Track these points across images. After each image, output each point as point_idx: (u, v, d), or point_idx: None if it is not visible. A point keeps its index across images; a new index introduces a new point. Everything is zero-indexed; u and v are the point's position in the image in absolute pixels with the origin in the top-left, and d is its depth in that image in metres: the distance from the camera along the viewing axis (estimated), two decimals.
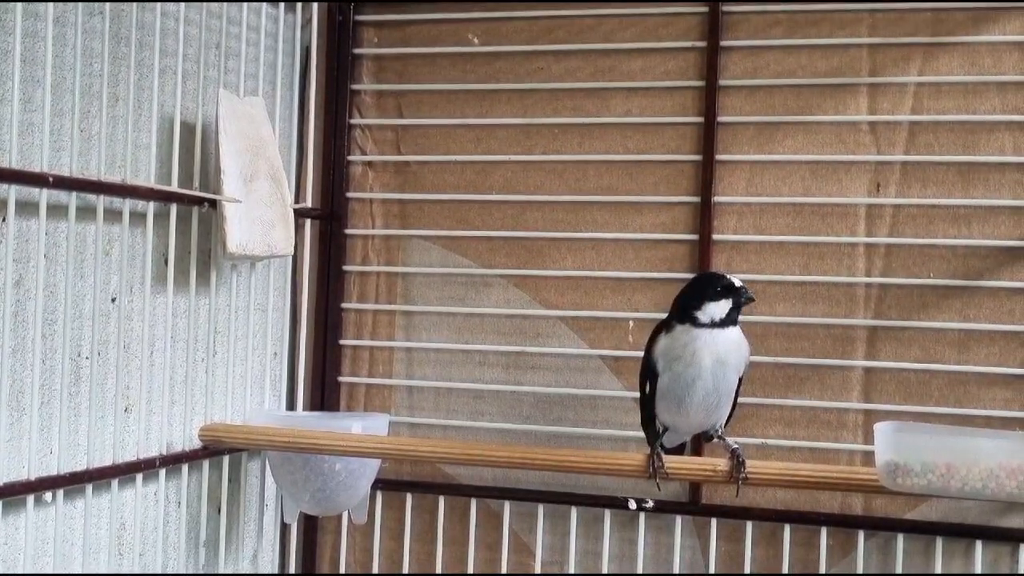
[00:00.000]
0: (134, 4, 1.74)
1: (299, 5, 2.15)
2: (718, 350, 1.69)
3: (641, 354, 1.78)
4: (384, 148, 2.22)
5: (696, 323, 1.69)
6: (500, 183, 2.16)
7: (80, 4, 1.65)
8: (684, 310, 1.71)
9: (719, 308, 1.69)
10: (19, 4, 1.53)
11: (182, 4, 1.85)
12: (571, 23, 2.13)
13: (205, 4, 1.91)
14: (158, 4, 1.79)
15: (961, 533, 1.94)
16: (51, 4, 1.58)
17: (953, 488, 1.51)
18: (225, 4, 1.96)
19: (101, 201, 1.68)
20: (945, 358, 1.96)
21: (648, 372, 1.74)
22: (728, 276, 1.72)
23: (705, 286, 1.71)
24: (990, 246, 1.94)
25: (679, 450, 1.87)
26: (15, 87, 1.53)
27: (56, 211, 1.62)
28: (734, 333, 1.70)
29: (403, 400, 2.21)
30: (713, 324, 1.69)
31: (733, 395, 1.73)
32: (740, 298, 1.70)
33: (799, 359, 2.01)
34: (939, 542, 1.94)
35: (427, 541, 2.17)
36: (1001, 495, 1.51)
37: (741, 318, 1.72)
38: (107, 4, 1.69)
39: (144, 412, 1.81)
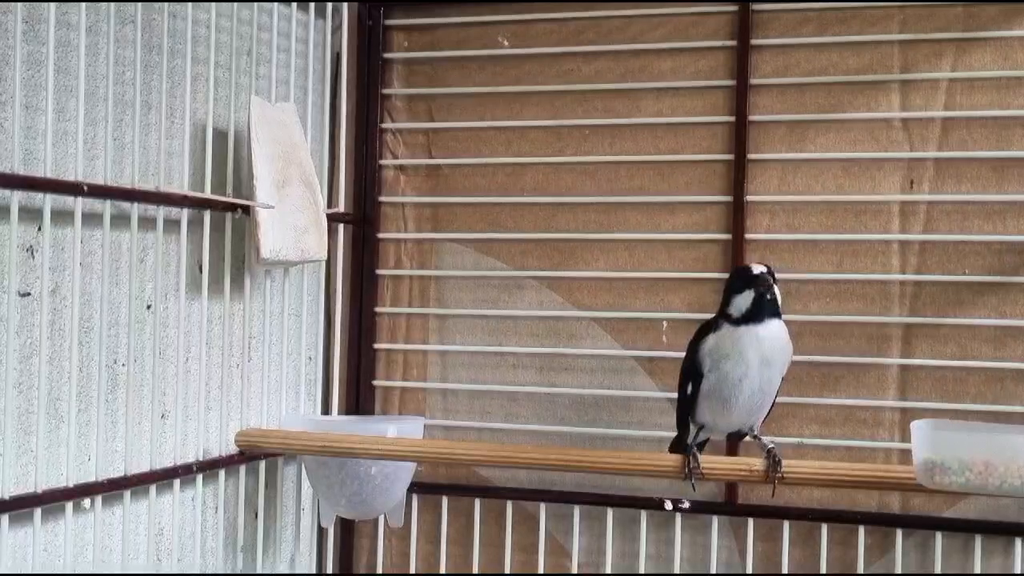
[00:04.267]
0: (166, 12, 1.75)
1: (329, 10, 2.16)
2: (763, 348, 1.68)
3: (675, 354, 1.78)
4: (415, 152, 2.23)
5: (731, 320, 1.69)
6: (531, 185, 2.16)
7: (112, 13, 1.65)
8: (723, 309, 1.70)
9: (743, 300, 1.68)
10: (52, 14, 1.54)
11: (213, 12, 1.86)
12: (601, 24, 2.13)
13: (236, 12, 1.91)
14: (189, 12, 1.80)
15: (1000, 531, 1.92)
16: (83, 12, 1.59)
17: (991, 485, 1.50)
18: (255, 11, 1.96)
19: (135, 209, 1.68)
20: (981, 354, 1.95)
21: (692, 372, 1.73)
22: (750, 266, 1.72)
23: (732, 281, 1.71)
24: None
25: (702, 446, 1.85)
26: (49, 97, 1.54)
27: (91, 219, 1.63)
28: (779, 331, 1.69)
29: (438, 403, 2.21)
30: (748, 318, 1.67)
31: (775, 395, 1.73)
32: (760, 287, 1.68)
33: (834, 357, 2.00)
34: (978, 540, 1.92)
35: (463, 544, 2.17)
36: None
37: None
38: (139, 12, 1.70)
39: (180, 418, 1.82)
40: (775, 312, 1.70)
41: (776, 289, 1.70)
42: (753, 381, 1.68)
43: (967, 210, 1.96)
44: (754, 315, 1.68)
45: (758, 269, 1.70)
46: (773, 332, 1.69)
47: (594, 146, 2.13)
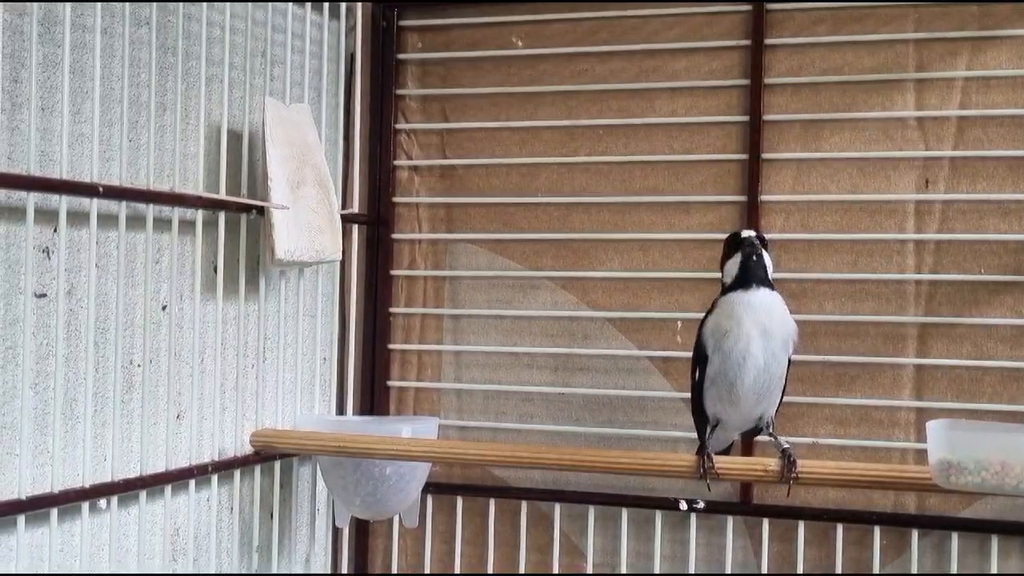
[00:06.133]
0: (180, 14, 1.75)
1: (343, 11, 2.16)
2: (758, 316, 1.66)
3: (690, 354, 1.77)
4: (429, 152, 2.23)
5: (724, 289, 1.69)
6: (546, 185, 2.16)
7: (127, 15, 1.66)
8: (721, 281, 1.71)
9: (733, 264, 1.68)
10: (67, 16, 1.54)
11: (227, 13, 1.86)
12: (615, 24, 2.13)
13: (250, 13, 1.92)
14: (204, 14, 1.81)
15: (1016, 531, 1.92)
16: (98, 14, 1.60)
17: (1008, 486, 1.50)
18: (270, 12, 1.97)
19: (150, 210, 1.69)
20: (997, 354, 1.94)
21: (698, 356, 1.73)
22: (742, 231, 1.71)
23: (724, 248, 1.71)
24: None
25: (726, 452, 1.85)
26: (64, 98, 1.55)
27: (106, 220, 1.63)
28: (771, 298, 1.68)
29: (452, 403, 2.21)
30: (737, 284, 1.67)
31: (783, 379, 1.72)
32: (746, 249, 1.67)
33: (849, 357, 2.00)
34: (994, 540, 1.92)
35: (478, 544, 2.17)
36: None
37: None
38: (153, 14, 1.70)
39: (196, 418, 1.82)
40: (764, 280, 1.68)
41: (767, 256, 1.69)
42: (757, 358, 1.67)
43: (983, 209, 1.95)
44: (742, 280, 1.67)
45: (746, 233, 1.69)
46: (763, 299, 1.67)
47: (608, 146, 2.13)
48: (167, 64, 1.76)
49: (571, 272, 2.15)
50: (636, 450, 2.02)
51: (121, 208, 1.64)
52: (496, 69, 2.19)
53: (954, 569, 1.93)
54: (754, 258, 1.68)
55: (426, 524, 2.18)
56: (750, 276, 1.68)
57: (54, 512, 1.55)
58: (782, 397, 1.75)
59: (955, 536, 1.93)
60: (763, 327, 1.67)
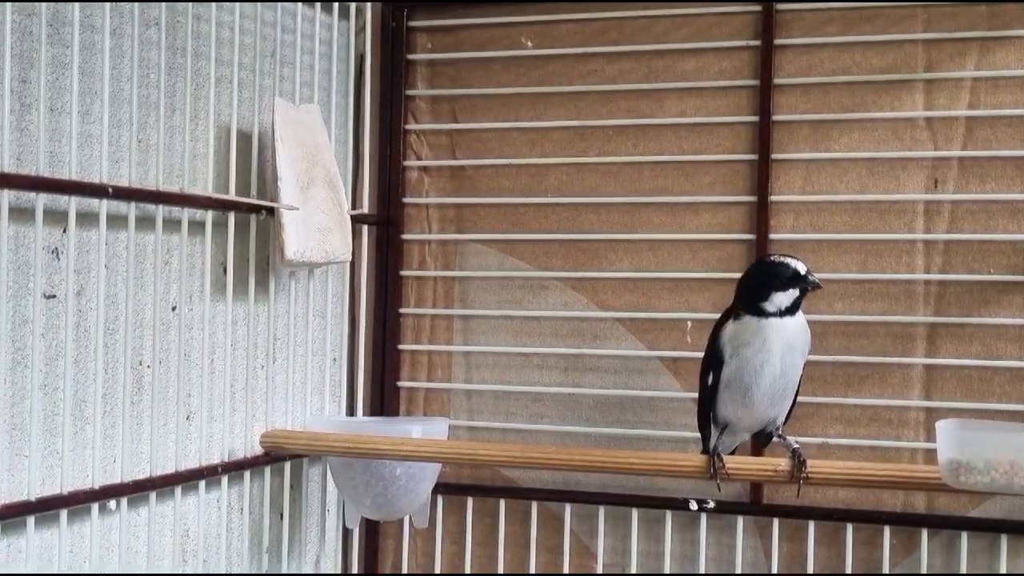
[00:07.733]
0: (189, 14, 1.76)
1: (352, 11, 2.16)
2: (787, 337, 1.68)
3: (700, 354, 1.77)
4: (439, 153, 2.23)
5: (764, 314, 1.68)
6: (555, 186, 2.16)
7: (136, 15, 1.66)
8: (751, 301, 1.70)
9: (786, 297, 1.68)
10: (76, 17, 1.55)
11: (237, 14, 1.86)
12: (624, 24, 2.13)
13: (259, 13, 1.92)
14: (213, 14, 1.81)
15: None
16: (107, 15, 1.60)
17: (1017, 485, 1.50)
18: (279, 13, 1.97)
19: (160, 211, 1.69)
20: (1007, 354, 1.94)
21: (713, 360, 1.73)
22: (791, 263, 1.70)
23: (772, 276, 1.70)
24: None
25: (731, 454, 1.85)
26: (73, 99, 1.55)
27: (116, 221, 1.64)
28: (800, 320, 1.70)
29: (462, 404, 2.21)
30: (780, 313, 1.68)
31: (797, 385, 1.72)
32: (806, 286, 1.69)
33: (859, 357, 2.00)
34: (1003, 540, 1.92)
35: (488, 544, 2.17)
36: None
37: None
38: (163, 15, 1.70)
39: (205, 420, 1.82)
40: (800, 307, 1.71)
41: None
42: (775, 367, 1.68)
43: (992, 209, 1.95)
44: (788, 312, 1.69)
45: (803, 268, 1.70)
46: (798, 322, 1.70)
47: (618, 146, 2.13)
48: (176, 65, 1.76)
49: (581, 272, 2.15)
50: (646, 450, 2.02)
51: (130, 209, 1.64)
52: (505, 69, 2.19)
53: (964, 569, 1.93)
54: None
55: (436, 525, 2.18)
56: (795, 311, 1.70)
57: (63, 513, 1.55)
58: (794, 402, 1.75)
59: (964, 536, 1.93)
60: (788, 344, 1.69)
